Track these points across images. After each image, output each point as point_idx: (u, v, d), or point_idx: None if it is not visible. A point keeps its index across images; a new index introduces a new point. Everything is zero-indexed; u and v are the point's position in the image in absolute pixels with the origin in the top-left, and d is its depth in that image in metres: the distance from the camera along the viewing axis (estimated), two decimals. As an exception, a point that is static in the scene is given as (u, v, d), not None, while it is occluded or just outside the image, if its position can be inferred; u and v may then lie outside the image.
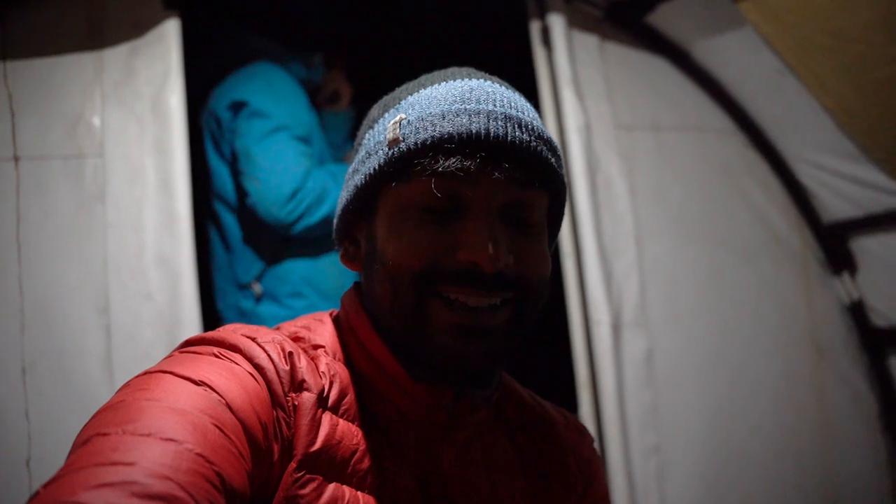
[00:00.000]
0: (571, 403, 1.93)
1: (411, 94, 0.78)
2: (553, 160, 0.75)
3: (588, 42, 2.03)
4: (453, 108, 0.72)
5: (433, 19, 2.68)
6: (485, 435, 0.86)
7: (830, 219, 2.17)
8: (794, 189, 2.18)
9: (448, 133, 0.70)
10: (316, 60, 2.13)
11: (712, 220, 2.11)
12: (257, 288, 1.98)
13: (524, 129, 0.72)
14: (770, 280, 2.14)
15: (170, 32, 1.66)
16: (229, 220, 2.02)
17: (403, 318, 0.73)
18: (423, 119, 0.72)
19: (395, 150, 0.73)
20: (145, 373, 0.66)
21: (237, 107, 1.91)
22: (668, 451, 1.92)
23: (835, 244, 2.18)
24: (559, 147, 0.79)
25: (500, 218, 0.72)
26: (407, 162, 0.72)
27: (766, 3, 1.73)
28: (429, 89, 0.77)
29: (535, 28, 2.03)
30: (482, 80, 0.77)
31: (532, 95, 0.90)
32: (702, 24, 1.99)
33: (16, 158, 1.51)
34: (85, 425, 0.59)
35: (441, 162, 0.69)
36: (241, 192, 1.94)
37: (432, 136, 0.70)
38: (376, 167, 0.75)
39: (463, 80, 0.77)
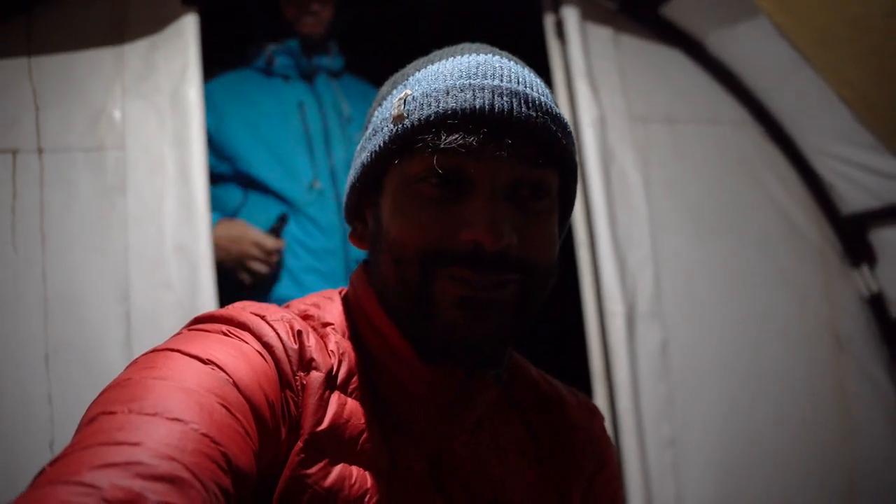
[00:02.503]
0: (586, 395, 1.92)
1: (419, 70, 0.76)
2: (562, 137, 0.73)
3: (602, 34, 2.03)
4: (458, 83, 0.70)
5: (447, 12, 2.69)
6: (495, 415, 0.85)
7: (849, 210, 2.13)
8: (811, 180, 2.15)
9: (451, 108, 0.68)
10: (329, 45, 2.11)
11: (728, 212, 2.09)
12: None
13: (531, 105, 0.69)
14: (787, 272, 2.12)
15: (188, 28, 1.69)
16: None
17: (409, 296, 0.72)
18: (427, 95, 0.70)
19: (399, 126, 0.71)
20: (153, 350, 0.65)
21: None
22: (683, 443, 1.90)
23: (853, 236, 2.14)
24: (570, 125, 0.76)
25: (506, 197, 0.70)
26: (410, 139, 0.70)
27: (781, -8, 1.72)
28: (436, 65, 0.75)
29: (549, 21, 2.03)
30: (490, 56, 0.74)
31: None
32: (716, 14, 1.97)
33: (39, 150, 1.54)
34: (92, 402, 0.58)
35: (444, 138, 0.67)
36: None
37: (435, 112, 0.69)
38: (381, 144, 0.73)
39: (471, 55, 0.74)
